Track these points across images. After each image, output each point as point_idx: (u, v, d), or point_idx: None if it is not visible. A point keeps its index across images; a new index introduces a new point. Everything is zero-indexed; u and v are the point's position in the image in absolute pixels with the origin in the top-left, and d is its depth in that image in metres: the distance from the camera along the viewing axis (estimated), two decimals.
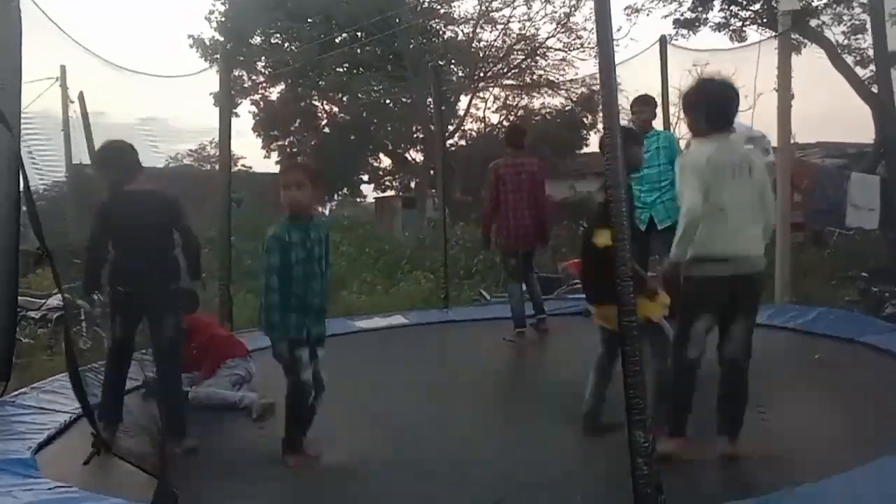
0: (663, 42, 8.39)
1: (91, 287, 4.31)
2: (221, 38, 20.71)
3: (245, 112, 21.92)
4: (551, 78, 22.35)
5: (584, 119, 22.18)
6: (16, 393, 4.82)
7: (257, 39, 20.91)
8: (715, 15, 16.29)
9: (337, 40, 19.03)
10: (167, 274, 4.17)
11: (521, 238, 6.58)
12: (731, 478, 3.15)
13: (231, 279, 7.04)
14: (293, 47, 20.35)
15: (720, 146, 3.39)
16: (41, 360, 6.63)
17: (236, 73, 19.08)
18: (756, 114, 8.42)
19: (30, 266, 7.25)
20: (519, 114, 22.73)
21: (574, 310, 7.79)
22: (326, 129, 23.36)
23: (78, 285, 4.80)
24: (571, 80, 21.88)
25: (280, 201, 3.99)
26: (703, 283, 3.32)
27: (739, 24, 16.37)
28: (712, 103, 3.47)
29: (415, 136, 22.81)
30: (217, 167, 8.54)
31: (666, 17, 16.69)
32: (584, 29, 21.19)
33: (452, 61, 21.33)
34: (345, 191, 25.64)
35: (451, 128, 20.97)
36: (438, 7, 21.82)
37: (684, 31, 16.29)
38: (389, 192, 26.29)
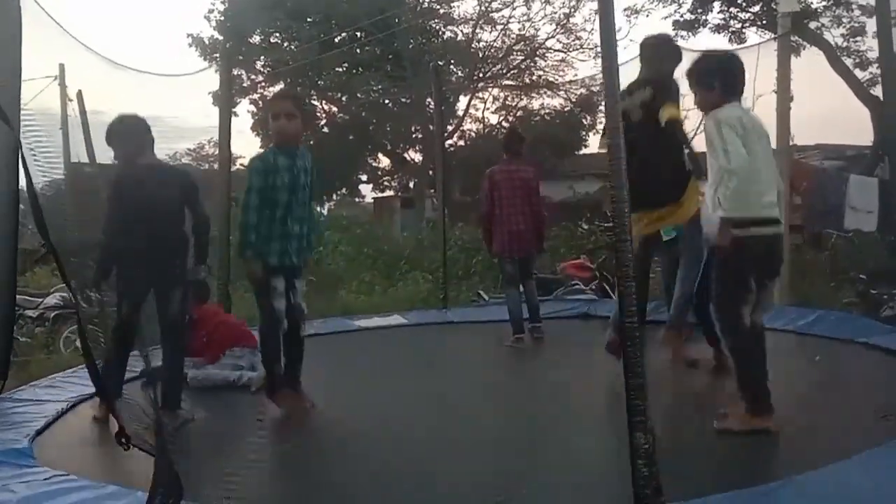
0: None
1: (105, 276, 4.19)
2: (221, 38, 20.70)
3: (244, 111, 21.90)
4: (551, 79, 22.39)
5: (584, 120, 22.20)
6: (13, 391, 4.82)
7: (256, 39, 20.89)
8: (714, 17, 16.35)
9: (336, 40, 19.01)
10: (177, 249, 4.16)
11: (515, 244, 6.59)
12: (730, 472, 3.14)
13: (230, 279, 7.03)
14: (292, 47, 20.33)
15: (743, 109, 3.39)
16: (39, 359, 6.63)
17: (235, 73, 19.03)
18: (755, 116, 8.43)
19: (27, 265, 7.25)
20: (518, 114, 22.74)
21: (573, 312, 7.81)
22: (325, 129, 23.34)
23: (74, 284, 4.78)
24: (571, 80, 21.94)
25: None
26: (752, 244, 3.28)
27: (739, 25, 16.41)
28: (727, 72, 3.47)
29: (414, 136, 22.80)
30: (216, 166, 8.54)
31: (665, 18, 16.76)
32: (584, 30, 21.26)
33: (452, 61, 21.33)
34: (343, 191, 25.62)
35: (450, 128, 20.97)
36: (438, 7, 21.82)
37: (684, 33, 16.32)
38: (388, 193, 26.29)
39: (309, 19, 19.94)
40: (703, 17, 16.32)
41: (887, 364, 4.82)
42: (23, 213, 4.57)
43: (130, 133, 4.17)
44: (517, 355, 6.35)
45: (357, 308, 9.02)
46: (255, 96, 22.25)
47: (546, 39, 21.85)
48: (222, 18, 21.19)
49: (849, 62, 14.59)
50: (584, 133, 22.51)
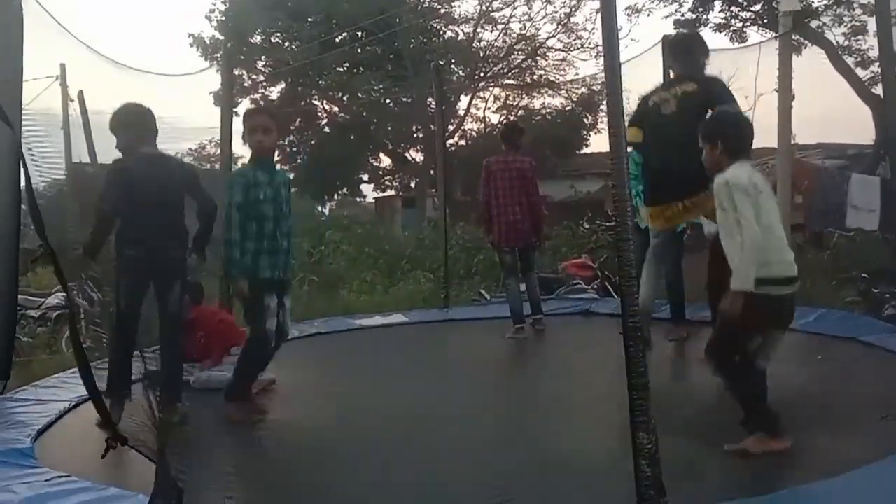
0: (666, 42, 8.37)
1: (96, 248, 4.13)
2: (222, 37, 20.71)
3: (245, 111, 21.91)
4: (552, 78, 22.39)
5: (585, 119, 22.21)
6: (15, 391, 4.82)
7: (258, 38, 20.90)
8: (715, 16, 16.32)
9: (337, 40, 19.01)
10: (178, 239, 4.15)
11: (512, 234, 6.61)
12: (734, 477, 3.14)
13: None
14: (293, 46, 20.33)
15: (751, 168, 3.41)
16: (41, 359, 6.62)
17: (236, 73, 19.04)
18: (756, 115, 8.43)
19: (29, 265, 7.25)
20: (519, 114, 22.74)
21: (574, 310, 7.82)
22: (326, 129, 23.35)
23: (75, 284, 4.78)
24: (572, 80, 21.95)
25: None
26: (770, 303, 3.26)
27: (740, 25, 16.39)
28: (739, 132, 3.49)
29: (415, 135, 22.80)
30: (218, 166, 8.54)
31: (666, 17, 16.74)
32: (585, 29, 21.27)
33: (453, 61, 21.33)
34: (345, 190, 25.64)
35: (451, 128, 20.98)
36: (439, 7, 21.82)
37: (685, 32, 16.28)
38: (389, 192, 26.30)
39: (310, 19, 19.94)
40: (705, 17, 16.30)
41: (889, 364, 4.82)
42: (24, 213, 4.57)
43: (134, 122, 4.15)
44: (519, 354, 6.35)
45: (358, 307, 9.01)
46: (257, 96, 22.26)
47: (547, 39, 21.88)
48: (223, 18, 21.20)
49: (850, 61, 14.57)
50: (585, 132, 22.53)
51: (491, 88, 22.92)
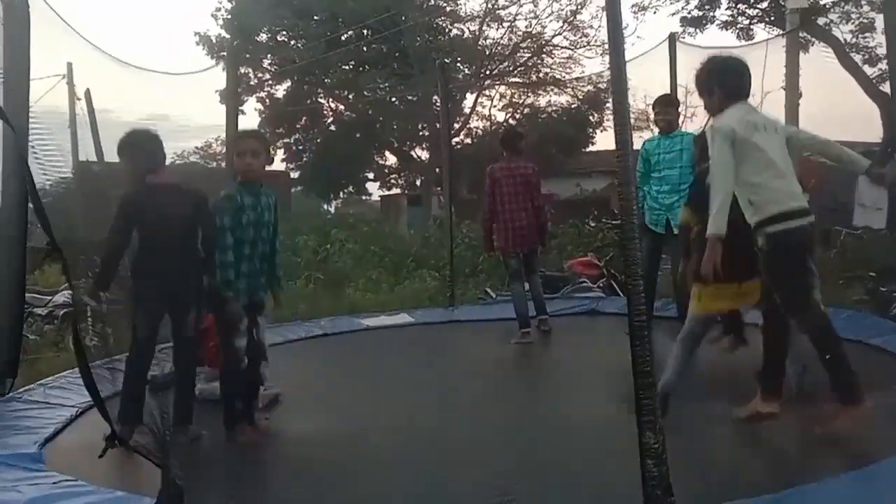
0: (672, 39, 8.36)
1: (105, 279, 4.10)
2: (228, 36, 20.73)
3: (251, 109, 21.93)
4: (557, 76, 22.34)
5: (591, 117, 22.15)
6: (22, 389, 4.83)
7: (263, 37, 20.91)
8: (722, 13, 16.27)
9: (343, 38, 19.02)
10: (193, 266, 4.16)
11: (518, 240, 6.63)
12: (740, 477, 3.13)
13: None
14: (299, 45, 20.34)
15: (747, 108, 3.41)
16: (48, 356, 6.64)
17: (242, 71, 19.08)
18: (763, 112, 8.39)
19: (36, 263, 7.27)
20: (525, 112, 22.71)
21: (581, 309, 7.81)
22: (332, 127, 23.36)
23: (86, 282, 4.78)
24: (578, 77, 21.89)
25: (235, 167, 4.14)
26: (792, 235, 3.28)
27: (747, 22, 16.32)
28: (731, 75, 3.50)
29: (420, 133, 22.79)
30: (224, 164, 8.54)
31: (673, 14, 16.69)
32: (591, 27, 21.22)
33: (458, 59, 21.30)
34: (350, 189, 25.65)
35: (456, 126, 20.95)
36: (444, 5, 21.81)
37: (691, 29, 16.25)
38: (395, 190, 26.30)
39: (315, 17, 19.95)
40: (711, 14, 16.25)
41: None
42: (32, 211, 4.58)
43: (142, 149, 4.13)
44: (524, 353, 6.34)
45: (364, 306, 9.02)
46: (262, 94, 22.30)
47: (553, 36, 21.84)
48: (229, 17, 21.22)
49: (858, 58, 14.49)
50: (590, 130, 22.47)
51: (496, 86, 22.90)
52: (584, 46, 21.59)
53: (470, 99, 22.52)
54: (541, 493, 3.05)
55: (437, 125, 17.53)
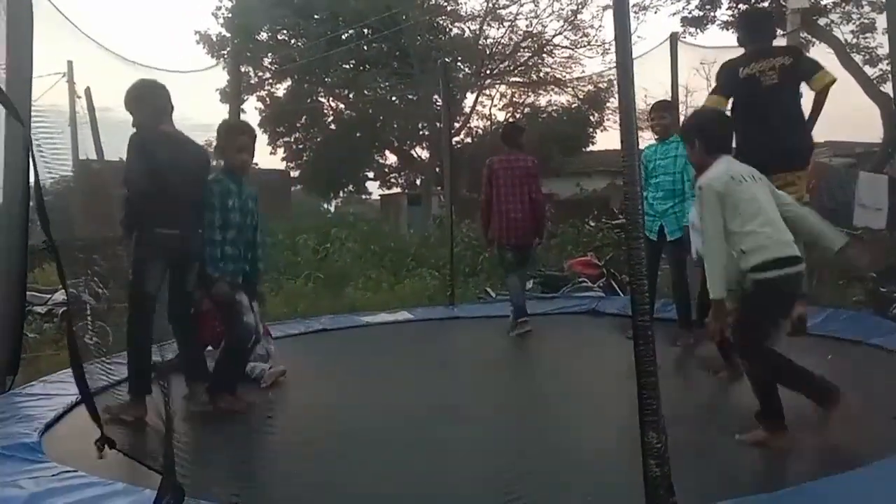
0: (674, 39, 8.35)
1: (134, 224, 4.06)
2: (228, 35, 20.73)
3: (251, 108, 21.94)
4: (558, 75, 22.34)
5: (591, 117, 22.17)
6: (23, 387, 4.83)
7: (264, 35, 20.90)
8: (723, 13, 16.25)
9: (343, 37, 19.03)
10: (199, 221, 4.17)
11: (512, 232, 6.62)
12: (739, 476, 3.13)
13: None
14: (300, 44, 20.34)
15: (728, 161, 3.46)
16: (47, 354, 6.65)
17: (243, 69, 19.07)
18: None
19: (36, 261, 7.26)
20: (525, 111, 22.71)
21: (580, 309, 7.80)
22: (332, 126, 23.35)
23: (85, 280, 4.78)
24: (578, 77, 21.91)
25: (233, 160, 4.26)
26: (782, 282, 3.29)
27: None
28: (711, 128, 3.55)
29: (421, 133, 22.79)
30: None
31: (674, 14, 16.69)
32: (591, 26, 21.23)
33: (459, 58, 21.30)
34: (350, 188, 25.66)
35: (456, 125, 20.95)
36: (445, 4, 21.80)
37: (692, 29, 16.25)
38: (395, 190, 26.30)
39: (316, 16, 19.95)
40: (712, 14, 16.24)
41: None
42: (33, 209, 4.57)
43: (150, 98, 4.13)
44: (525, 353, 6.34)
45: (364, 305, 9.02)
46: (263, 93, 22.30)
47: (553, 36, 21.84)
48: (230, 15, 21.23)
49: (858, 59, 14.49)
50: (591, 130, 22.49)
51: (497, 86, 22.91)
52: (585, 46, 21.61)
53: (470, 98, 22.54)
54: (542, 492, 3.05)
55: (438, 124, 17.55)
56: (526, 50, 22.18)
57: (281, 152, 23.49)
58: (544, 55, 22.19)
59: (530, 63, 22.39)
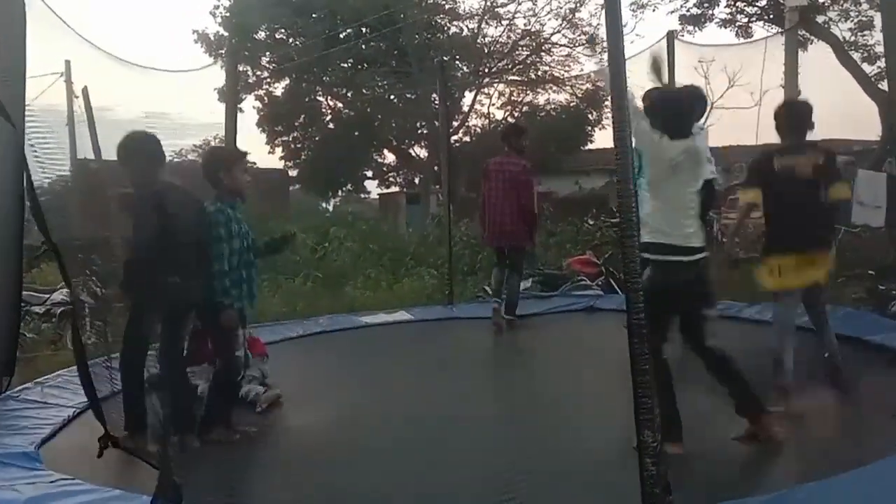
0: (671, 37, 8.34)
1: (137, 282, 4.07)
2: (226, 34, 20.69)
3: (249, 107, 21.91)
4: (556, 74, 22.31)
5: (589, 115, 22.13)
6: (20, 388, 4.82)
7: (262, 35, 20.86)
8: (721, 11, 16.23)
9: (342, 36, 18.98)
10: (200, 268, 4.16)
11: (499, 235, 6.73)
12: (739, 475, 3.13)
13: None
14: (298, 42, 20.30)
15: (689, 144, 3.53)
16: (45, 355, 6.63)
17: (240, 69, 19.04)
18: (762, 111, 8.38)
19: (33, 261, 7.24)
20: (524, 110, 22.69)
21: (579, 307, 7.80)
22: (331, 125, 23.32)
23: (84, 279, 4.76)
24: (576, 76, 21.87)
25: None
26: (664, 268, 3.42)
27: (745, 20, 16.30)
28: (677, 113, 3.62)
29: (419, 132, 22.76)
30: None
31: (672, 12, 16.67)
32: (590, 25, 21.16)
33: (457, 57, 21.27)
34: (349, 187, 25.62)
35: (455, 124, 20.93)
36: (443, 3, 21.76)
37: (690, 27, 16.23)
38: (394, 189, 26.27)
39: (314, 15, 19.91)
40: (710, 12, 16.21)
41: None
42: (29, 209, 4.56)
43: (145, 151, 4.12)
44: (523, 352, 6.34)
45: (362, 304, 9.01)
46: (261, 92, 22.26)
47: (551, 34, 21.79)
48: (227, 14, 21.17)
49: (856, 56, 14.47)
50: (589, 128, 22.46)
51: (495, 84, 22.87)
52: (583, 45, 21.57)
53: (469, 97, 22.50)
54: (540, 491, 3.04)
55: (436, 123, 17.53)
56: (524, 48, 22.15)
57: (279, 151, 23.47)
58: (542, 54, 22.16)
59: (528, 61, 22.36)
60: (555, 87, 22.52)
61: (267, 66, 21.58)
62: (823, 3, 14.42)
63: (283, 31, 20.82)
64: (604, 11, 2.44)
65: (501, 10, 21.68)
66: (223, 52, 19.75)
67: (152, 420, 3.58)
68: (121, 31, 35.29)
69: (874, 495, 2.70)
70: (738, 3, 16.14)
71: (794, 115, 4.79)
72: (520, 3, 21.23)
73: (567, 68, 22.20)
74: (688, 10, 16.28)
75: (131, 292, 4.14)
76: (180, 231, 3.95)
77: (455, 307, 8.30)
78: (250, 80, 21.09)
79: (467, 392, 4.90)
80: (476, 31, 21.96)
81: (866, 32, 15.00)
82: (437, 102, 16.67)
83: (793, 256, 4.41)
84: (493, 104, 23.38)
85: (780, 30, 10.46)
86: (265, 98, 22.49)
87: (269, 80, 22.03)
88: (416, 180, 24.77)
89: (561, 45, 21.95)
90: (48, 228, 2.97)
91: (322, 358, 6.24)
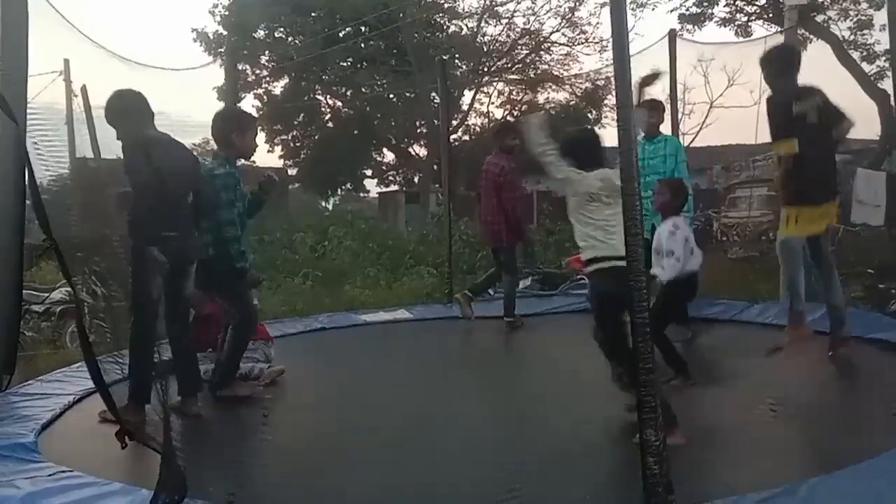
0: (672, 36, 8.33)
1: (142, 225, 4.00)
2: (225, 32, 20.68)
3: (249, 106, 21.89)
4: (555, 73, 22.32)
5: (589, 114, 22.15)
6: (20, 385, 4.81)
7: (261, 33, 20.86)
8: (720, 10, 16.24)
9: (341, 34, 18.98)
10: (195, 222, 4.17)
11: (487, 234, 6.89)
12: (738, 474, 3.12)
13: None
14: (297, 41, 20.31)
15: (603, 178, 3.85)
16: (45, 353, 6.62)
17: (240, 67, 19.03)
18: (762, 110, 8.37)
19: (33, 259, 7.22)
20: (523, 109, 22.71)
21: (579, 306, 7.79)
22: (330, 124, 23.32)
23: (84, 278, 4.74)
24: (576, 74, 21.90)
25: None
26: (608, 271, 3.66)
27: (745, 19, 16.32)
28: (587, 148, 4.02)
29: (418, 130, 22.77)
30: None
31: (672, 11, 16.68)
32: (589, 24, 21.20)
33: (456, 56, 21.28)
34: (348, 185, 25.63)
35: (454, 122, 20.94)
36: (443, 1, 21.77)
37: (690, 26, 16.24)
38: (393, 187, 26.29)
39: (313, 14, 19.91)
40: (710, 11, 16.22)
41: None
42: (29, 207, 4.55)
43: (132, 108, 4.11)
44: (523, 350, 6.34)
45: (362, 302, 9.00)
46: (260, 91, 22.26)
47: (551, 33, 21.84)
48: (227, 13, 21.18)
49: (856, 55, 14.50)
50: (588, 127, 22.45)
51: (495, 83, 22.90)
52: (582, 43, 21.61)
53: (468, 96, 22.53)
54: (542, 489, 3.04)
55: (435, 122, 17.53)
56: (523, 47, 22.17)
57: (278, 150, 23.48)
58: (542, 52, 22.19)
59: (528, 60, 22.39)
60: (554, 86, 22.56)
61: (266, 64, 21.58)
62: (823, 2, 14.44)
63: (282, 29, 20.82)
64: (605, 11, 2.43)
65: (501, 9, 21.75)
66: (222, 50, 19.74)
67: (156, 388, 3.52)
68: (120, 29, 35.32)
69: (875, 491, 2.70)
70: (738, 2, 16.15)
71: (786, 56, 4.87)
72: (519, 2, 21.42)
73: (566, 67, 22.26)
74: (687, 10, 16.31)
75: (136, 248, 4.05)
76: (174, 182, 3.92)
77: (454, 306, 8.28)
78: (249, 79, 21.10)
79: (467, 390, 4.90)
80: (475, 29, 21.99)
81: (865, 31, 15.05)
82: (436, 101, 16.67)
83: (811, 207, 4.60)
84: (493, 103, 23.47)
85: (779, 28, 10.45)
86: (264, 97, 22.50)
87: (268, 78, 22.04)
88: (416, 179, 24.79)
89: (560, 44, 22.00)
90: (49, 225, 2.97)
91: (321, 355, 6.24)
